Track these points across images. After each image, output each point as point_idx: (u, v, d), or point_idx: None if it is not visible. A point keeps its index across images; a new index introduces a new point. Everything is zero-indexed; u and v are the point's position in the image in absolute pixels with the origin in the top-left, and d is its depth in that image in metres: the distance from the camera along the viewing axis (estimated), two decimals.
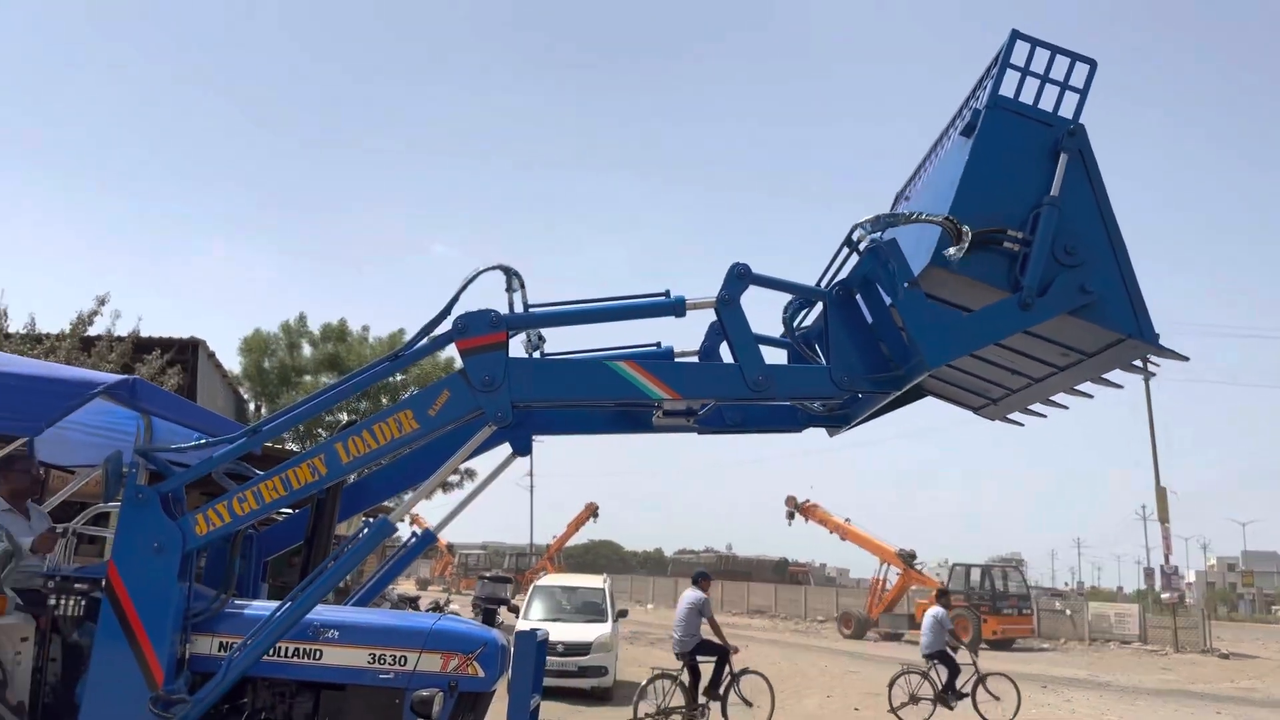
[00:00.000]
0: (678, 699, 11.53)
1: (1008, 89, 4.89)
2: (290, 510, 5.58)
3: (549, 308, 4.99)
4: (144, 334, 20.08)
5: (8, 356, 4.97)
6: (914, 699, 13.58)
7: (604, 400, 5.07)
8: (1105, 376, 5.22)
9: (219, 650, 4.55)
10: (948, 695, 13.49)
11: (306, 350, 38.17)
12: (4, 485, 5.09)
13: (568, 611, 16.12)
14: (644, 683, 11.88)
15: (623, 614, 17.03)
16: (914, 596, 36.03)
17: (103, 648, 4.35)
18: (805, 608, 47.57)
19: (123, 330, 20.18)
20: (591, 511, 48.47)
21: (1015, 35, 4.84)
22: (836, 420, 5.66)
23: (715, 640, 11.62)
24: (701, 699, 11.46)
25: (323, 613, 4.69)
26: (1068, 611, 38.10)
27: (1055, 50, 4.87)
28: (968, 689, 13.67)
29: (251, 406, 34.58)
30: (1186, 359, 5.05)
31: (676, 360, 5.27)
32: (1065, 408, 5.70)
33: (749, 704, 11.77)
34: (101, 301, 19.85)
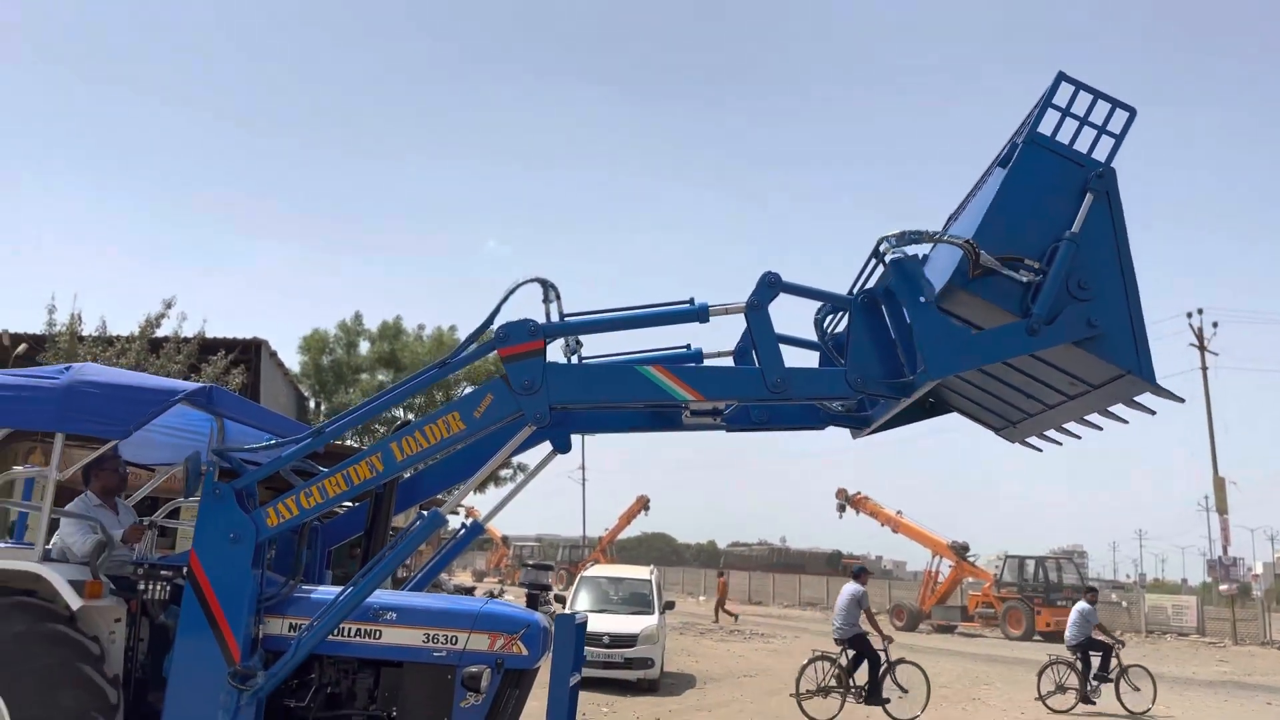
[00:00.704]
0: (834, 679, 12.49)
1: (1048, 127, 5.15)
2: (351, 504, 6.04)
3: (582, 316, 5.38)
4: (209, 335, 20.91)
5: (97, 367, 5.47)
6: (1060, 688, 14.32)
7: (635, 402, 5.43)
8: (1111, 410, 5.45)
9: (289, 631, 5.02)
10: (1090, 684, 14.26)
11: (363, 348, 39.15)
12: (95, 483, 5.61)
13: (614, 602, 16.33)
14: (805, 663, 12.79)
15: (669, 605, 17.30)
16: (967, 589, 35.97)
17: (186, 628, 4.85)
18: None
19: (187, 331, 21.02)
20: (643, 504, 48.88)
21: (1061, 77, 5.12)
22: (857, 422, 5.95)
23: (872, 631, 12.46)
24: (855, 683, 12.36)
25: (382, 596, 5.15)
26: (1124, 604, 37.76)
27: (1097, 95, 5.14)
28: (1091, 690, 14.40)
29: (311, 404, 35.54)
30: (1182, 400, 5.28)
31: (702, 364, 5.62)
32: (1078, 437, 5.91)
33: (904, 691, 12.50)
34: (168, 305, 20.66)
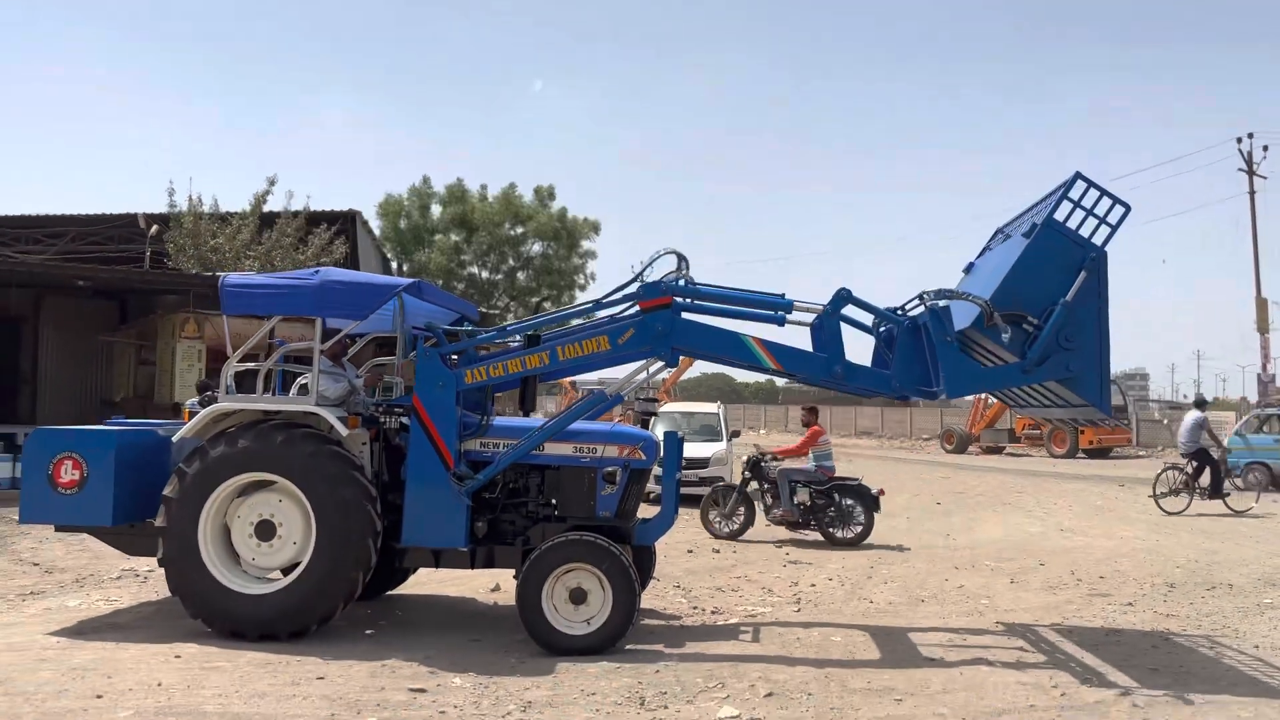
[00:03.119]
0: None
1: (1062, 214, 6.96)
2: None
3: (701, 286, 7.21)
4: (311, 209, 23.08)
5: (337, 270, 7.49)
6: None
7: (735, 360, 7.40)
8: (1089, 419, 7.51)
9: (480, 448, 7.17)
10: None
11: (435, 211, 41.11)
12: (328, 350, 7.69)
13: (687, 433, 18.61)
14: (1159, 472, 16.90)
15: (735, 434, 19.60)
16: (1015, 413, 37.99)
17: (415, 446, 7.01)
18: (911, 427, 50.00)
19: (278, 205, 23.21)
20: None
21: (1077, 175, 6.94)
22: (900, 398, 7.84)
23: (1211, 446, 16.12)
24: (1199, 485, 16.08)
25: (542, 423, 7.30)
26: (1165, 421, 39.52)
27: (1103, 192, 6.93)
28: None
29: (394, 265, 37.85)
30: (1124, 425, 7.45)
31: (788, 345, 7.34)
32: (1066, 424, 8.05)
33: (1240, 489, 17.39)
34: (272, 181, 22.88)
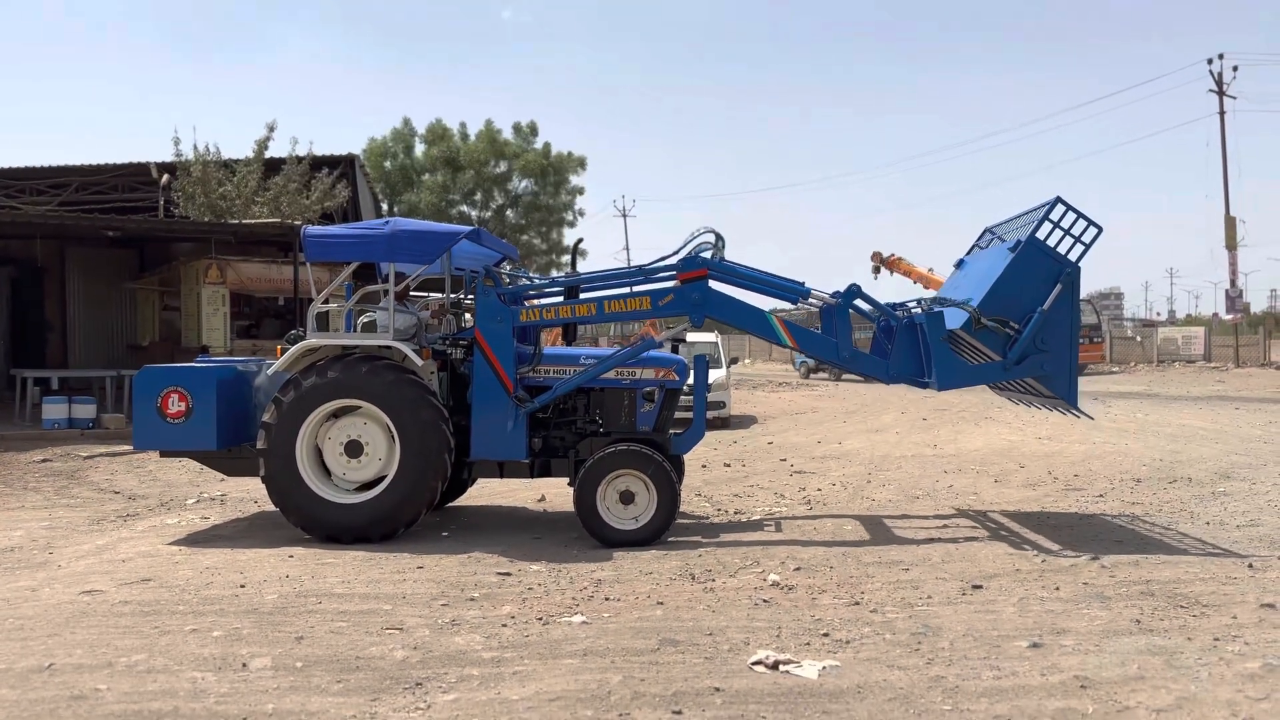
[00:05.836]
0: None
1: (1043, 233, 8.00)
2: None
3: (732, 264, 8.24)
4: (309, 156, 23.70)
5: (405, 220, 8.32)
6: None
7: (756, 333, 8.42)
8: (1056, 409, 8.63)
9: (531, 374, 8.19)
10: None
11: (418, 150, 41.53)
12: (397, 291, 8.63)
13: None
14: None
15: (734, 361, 20.85)
16: None
17: (479, 374, 8.00)
18: None
19: (280, 151, 23.80)
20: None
21: (1058, 200, 7.98)
22: (895, 382, 8.82)
23: None
24: None
25: (590, 352, 8.33)
26: (1138, 338, 40.98)
27: (1079, 215, 7.97)
28: None
29: (385, 206, 38.42)
30: (1092, 418, 8.56)
31: (804, 327, 8.51)
32: (1041, 408, 9.12)
33: None
34: (271, 128, 23.45)
